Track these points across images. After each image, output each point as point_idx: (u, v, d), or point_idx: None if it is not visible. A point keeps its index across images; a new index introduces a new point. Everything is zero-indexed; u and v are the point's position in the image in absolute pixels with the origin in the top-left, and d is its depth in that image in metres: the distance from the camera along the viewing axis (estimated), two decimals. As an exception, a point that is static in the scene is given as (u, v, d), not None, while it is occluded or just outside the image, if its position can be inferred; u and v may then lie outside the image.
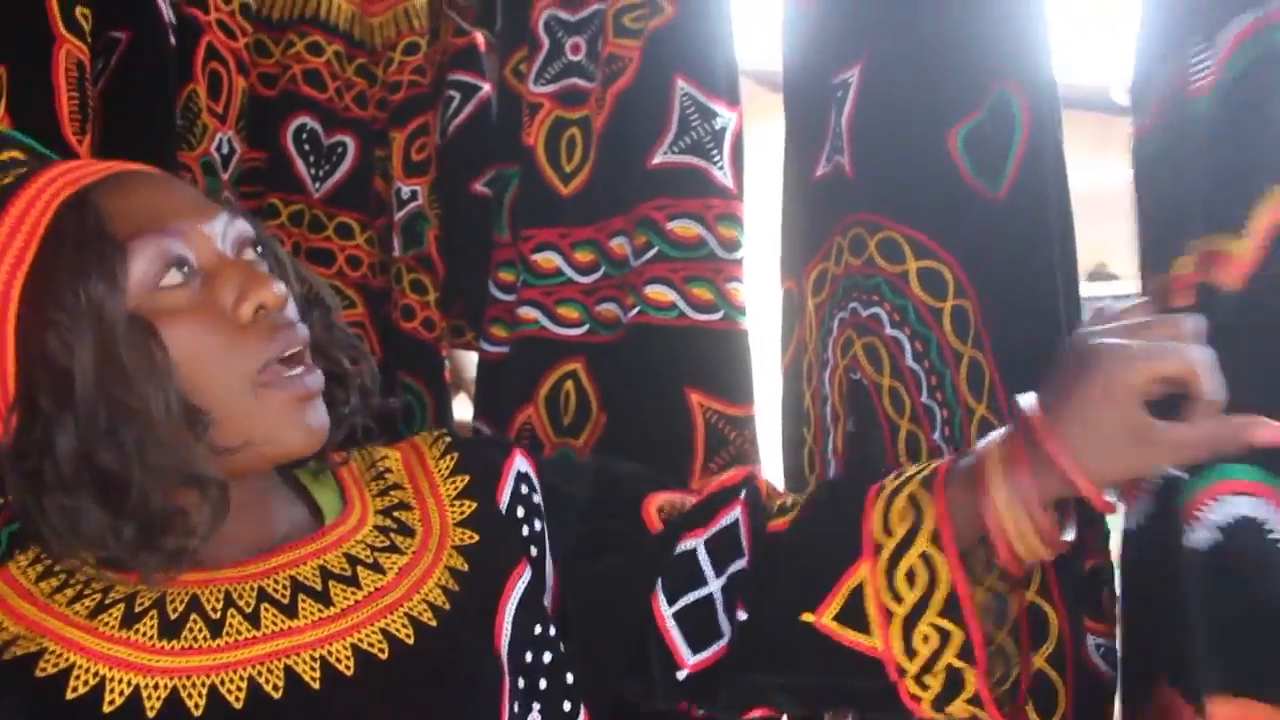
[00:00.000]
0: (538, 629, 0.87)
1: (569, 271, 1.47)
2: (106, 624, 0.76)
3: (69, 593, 0.78)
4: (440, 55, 1.75)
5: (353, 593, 0.81)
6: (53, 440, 0.73)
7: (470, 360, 1.79)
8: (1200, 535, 0.77)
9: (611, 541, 0.94)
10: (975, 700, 0.82)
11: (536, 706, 0.85)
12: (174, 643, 0.76)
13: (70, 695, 0.73)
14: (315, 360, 0.83)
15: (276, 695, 0.75)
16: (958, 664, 0.81)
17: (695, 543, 0.91)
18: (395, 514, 0.88)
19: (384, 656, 0.78)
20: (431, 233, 1.65)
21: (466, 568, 0.85)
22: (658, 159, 1.38)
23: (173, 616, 0.77)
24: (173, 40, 1.42)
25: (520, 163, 1.53)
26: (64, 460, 0.73)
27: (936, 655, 0.82)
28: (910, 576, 0.82)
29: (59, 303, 0.74)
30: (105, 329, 0.74)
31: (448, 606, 0.82)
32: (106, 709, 0.73)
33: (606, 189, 1.45)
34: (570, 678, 0.87)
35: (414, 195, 1.65)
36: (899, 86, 1.12)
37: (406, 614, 0.81)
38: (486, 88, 1.74)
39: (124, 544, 0.74)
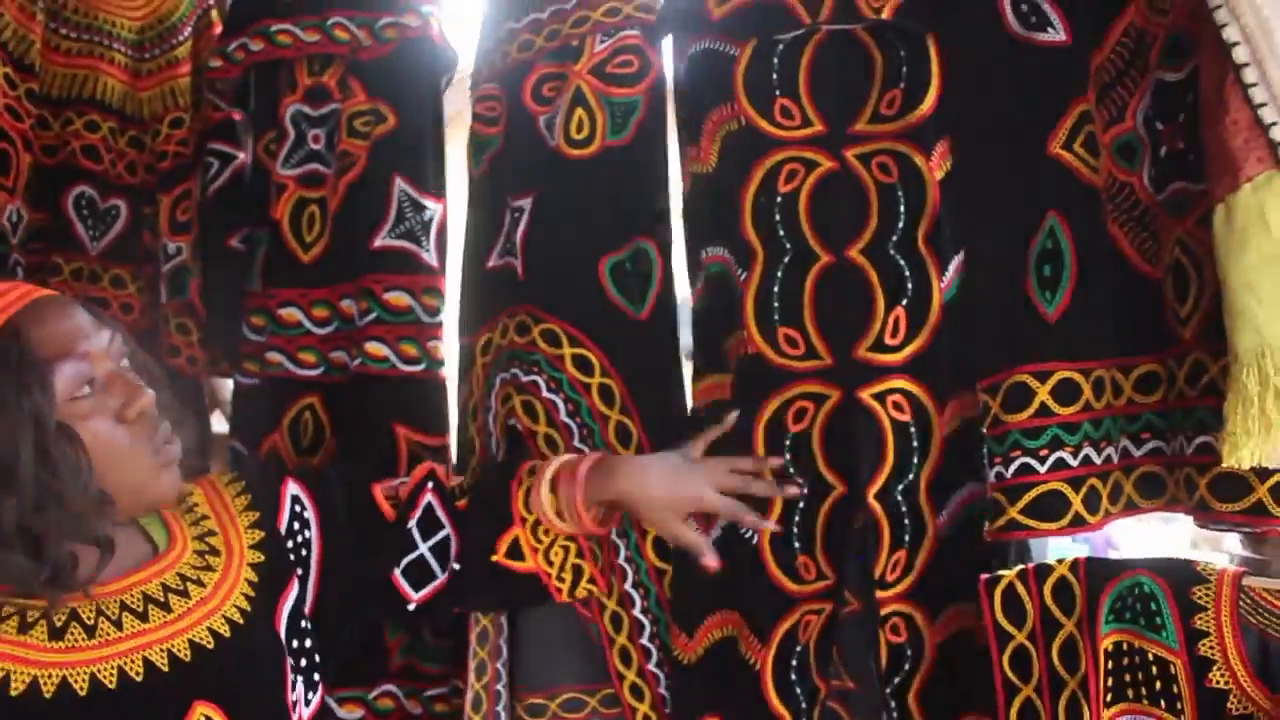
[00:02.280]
0: (303, 623, 1.24)
1: (308, 324, 1.83)
2: (6, 631, 1.07)
3: None
4: (201, 125, 2.06)
5: (184, 602, 1.15)
6: None
7: (225, 385, 2.13)
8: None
9: (357, 524, 1.36)
10: (591, 580, 1.42)
11: (301, 677, 1.22)
12: (60, 644, 1.08)
13: None
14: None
15: (138, 678, 1.09)
16: (578, 561, 1.41)
17: (413, 524, 1.37)
18: (207, 539, 1.22)
19: (210, 647, 1.14)
20: (194, 282, 1.96)
21: (257, 580, 1.22)
22: (379, 241, 1.77)
23: (58, 624, 1.09)
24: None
25: (269, 229, 1.88)
26: (3, 525, 1.02)
27: (565, 559, 1.39)
28: (545, 530, 1.38)
29: (5, 413, 1.02)
30: (41, 434, 1.03)
31: (249, 609, 1.18)
32: (13, 694, 1.05)
33: (338, 260, 1.81)
34: (317, 656, 1.25)
35: (179, 250, 1.96)
36: (562, 221, 1.57)
37: (223, 615, 1.16)
38: (242, 156, 2.05)
39: (40, 584, 1.05)
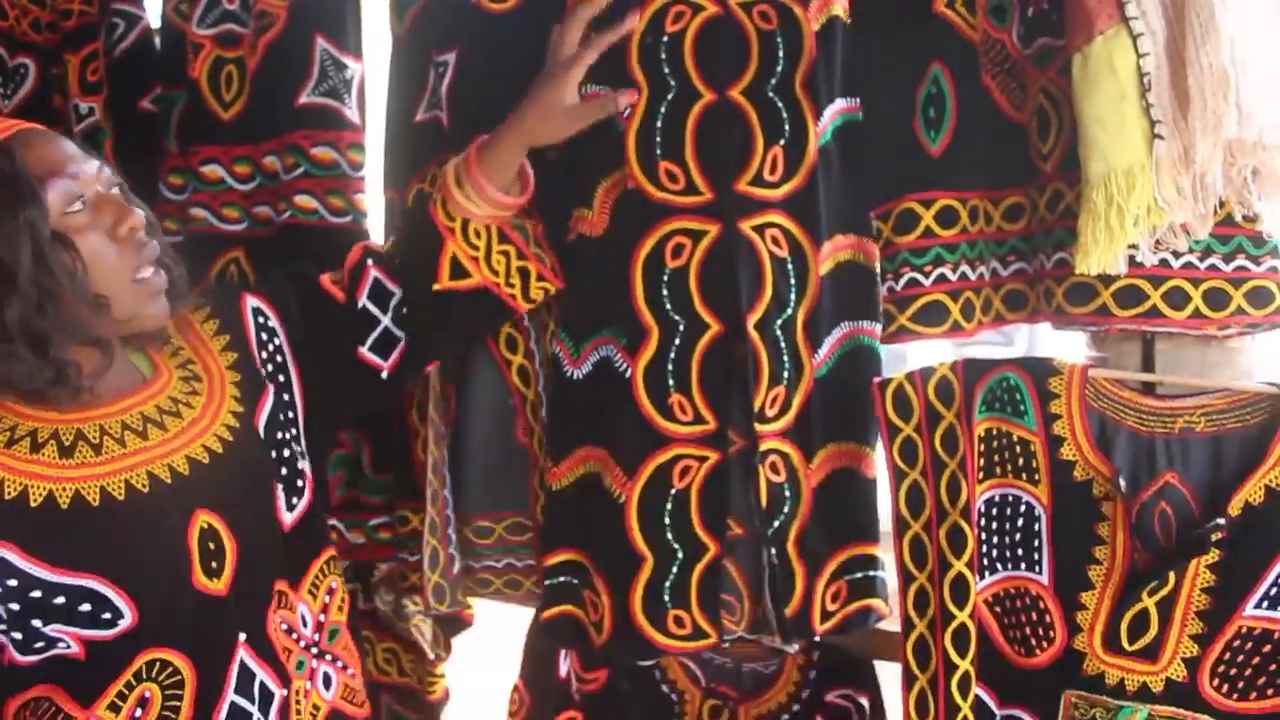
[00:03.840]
0: (279, 434, 1.35)
1: (230, 180, 1.89)
2: (20, 451, 1.17)
3: None
4: (104, -18, 2.06)
5: (178, 422, 1.26)
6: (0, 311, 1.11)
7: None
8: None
9: (313, 315, 1.45)
10: (541, 278, 1.50)
11: (283, 485, 1.33)
12: (70, 460, 1.18)
13: (6, 498, 1.14)
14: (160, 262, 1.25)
15: (143, 490, 1.21)
16: (521, 263, 1.49)
17: (363, 301, 1.45)
18: (188, 366, 1.32)
19: (205, 461, 1.26)
20: (108, 143, 1.99)
21: (240, 395, 1.33)
22: (303, 99, 1.84)
23: (66, 444, 1.19)
24: None
25: (186, 89, 1.92)
26: (9, 323, 1.11)
27: (508, 265, 1.48)
28: (476, 234, 1.45)
29: (3, 221, 1.11)
30: (37, 241, 1.12)
31: (237, 424, 1.30)
32: (32, 505, 1.15)
33: (260, 117, 1.87)
34: (300, 462, 1.37)
35: (91, 111, 1.98)
36: (486, 73, 1.65)
37: (214, 434, 1.28)
38: (146, 18, 2.07)
39: (44, 381, 1.15)
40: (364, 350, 1.45)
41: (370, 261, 1.47)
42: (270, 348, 1.41)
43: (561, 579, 1.54)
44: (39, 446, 1.19)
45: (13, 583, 1.15)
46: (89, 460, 1.20)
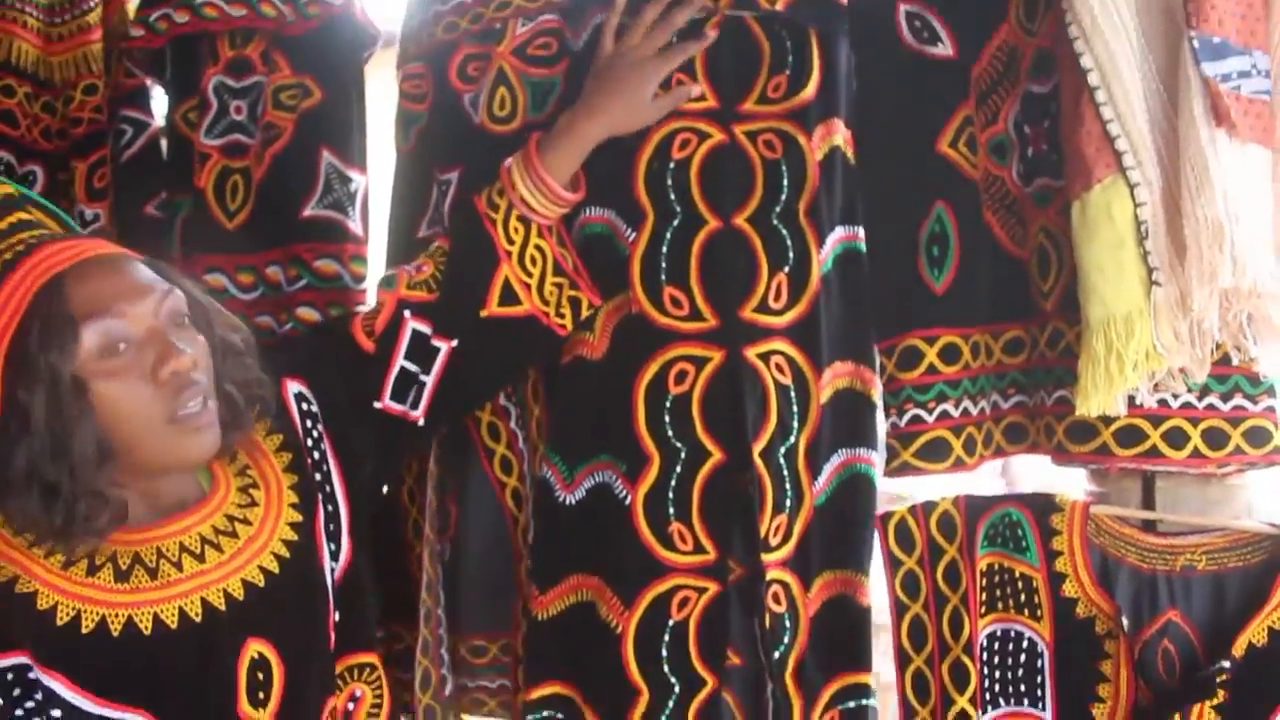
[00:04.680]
0: (332, 544, 1.31)
1: (233, 290, 1.89)
2: (76, 573, 1.14)
3: (44, 548, 1.14)
4: (112, 91, 2.09)
5: (234, 542, 1.22)
6: (11, 455, 1.09)
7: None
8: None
9: (345, 371, 1.40)
10: (590, 306, 1.47)
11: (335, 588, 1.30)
12: (125, 585, 1.16)
13: (59, 623, 1.12)
14: (220, 393, 1.20)
15: (197, 619, 1.18)
16: (575, 294, 1.46)
17: (401, 360, 1.40)
18: (246, 474, 1.28)
19: (261, 584, 1.22)
20: (111, 249, 2.01)
21: (299, 501, 1.28)
22: (308, 211, 1.86)
23: (123, 567, 1.16)
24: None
25: (191, 197, 1.94)
26: (17, 470, 1.09)
27: (561, 294, 1.44)
28: (532, 260, 1.43)
29: (28, 364, 1.09)
30: (54, 387, 1.09)
31: (295, 537, 1.26)
32: (84, 631, 1.13)
33: (265, 228, 1.88)
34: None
35: (96, 217, 1.99)
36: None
37: (270, 552, 1.24)
38: (154, 124, 2.10)
39: (54, 529, 1.12)
40: (391, 401, 1.41)
41: (407, 313, 1.42)
42: (314, 435, 1.37)
43: (546, 714, 1.51)
44: (95, 569, 1.16)
45: (57, 713, 1.12)
46: (144, 585, 1.17)
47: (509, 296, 1.41)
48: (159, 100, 2.11)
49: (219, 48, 1.92)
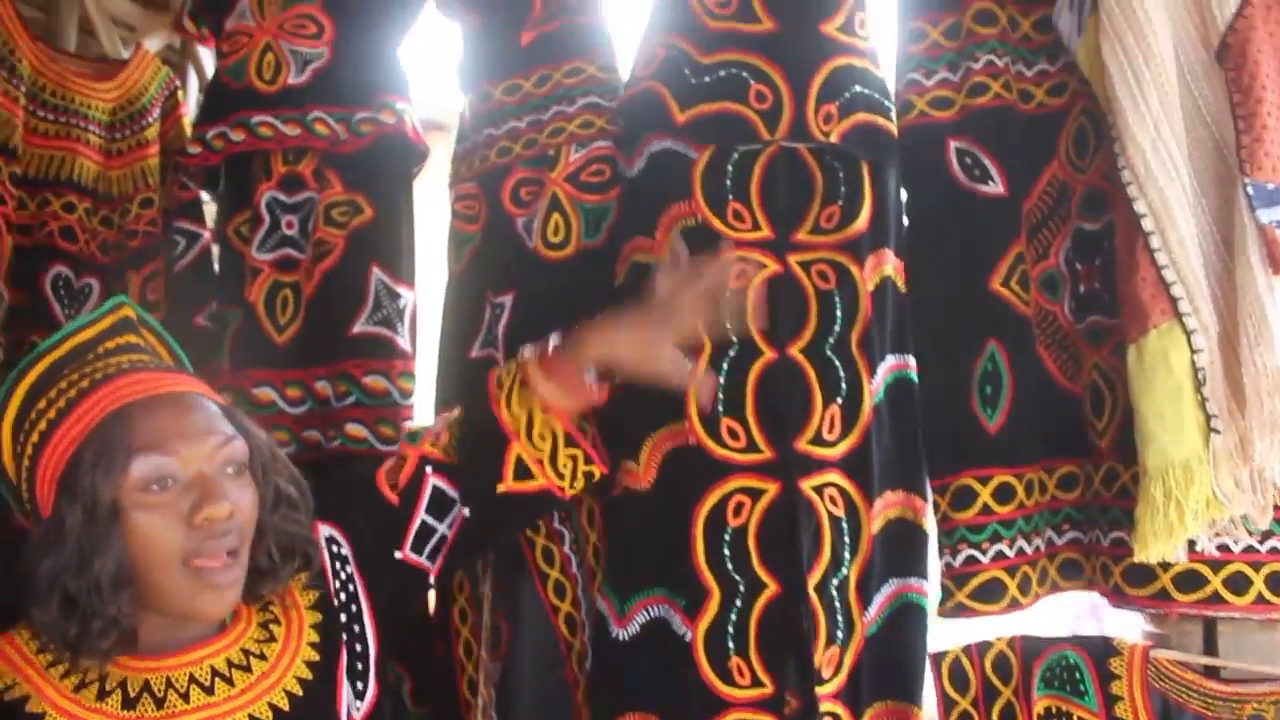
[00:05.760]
0: (357, 683, 1.31)
1: (281, 404, 1.92)
2: (86, 698, 1.15)
3: (60, 669, 1.16)
4: (167, 204, 2.14)
5: (246, 676, 1.22)
6: (41, 561, 1.11)
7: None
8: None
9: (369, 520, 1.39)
10: (601, 476, 1.42)
11: None
12: (130, 712, 1.16)
13: None
14: (257, 546, 1.20)
15: None
16: (587, 467, 1.42)
17: (421, 514, 1.39)
18: (268, 609, 1.28)
19: None
20: (162, 359, 2.03)
21: (318, 640, 1.28)
22: (357, 328, 1.88)
23: (131, 695, 1.16)
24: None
25: (241, 310, 1.97)
26: (43, 576, 1.12)
27: (575, 467, 1.41)
28: (541, 436, 1.38)
29: (76, 481, 1.11)
30: (92, 508, 1.11)
31: (309, 676, 1.25)
32: None
33: (314, 343, 1.91)
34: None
35: (148, 328, 2.03)
36: (541, 318, 1.67)
37: (282, 689, 1.23)
38: (207, 235, 2.14)
39: (68, 640, 1.13)
40: (411, 552, 1.41)
41: (429, 469, 1.43)
42: (343, 576, 1.37)
43: None
44: (105, 694, 1.17)
45: None
46: (149, 714, 1.17)
47: (522, 472, 1.40)
48: (211, 211, 2.16)
49: (273, 164, 1.97)
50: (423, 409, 1.92)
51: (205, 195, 2.13)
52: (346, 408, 1.86)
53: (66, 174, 2.00)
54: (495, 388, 1.42)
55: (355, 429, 1.85)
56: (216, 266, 2.09)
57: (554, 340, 1.39)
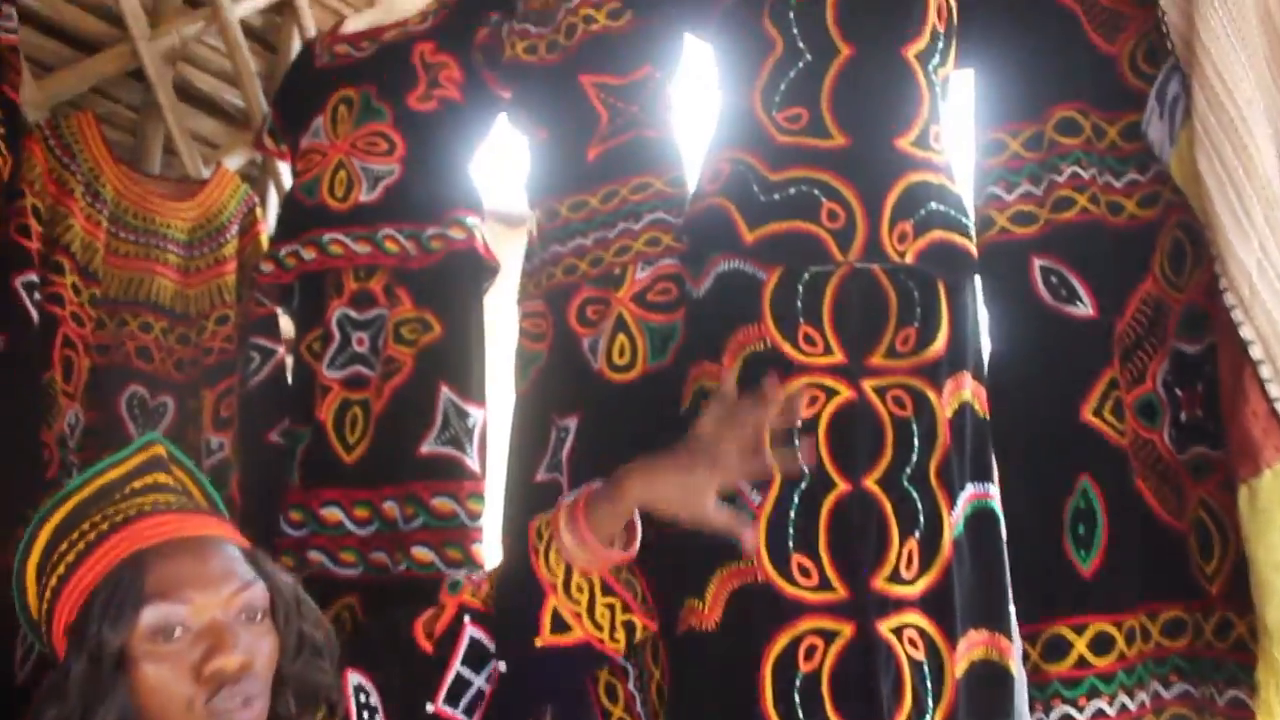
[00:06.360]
0: None
1: (349, 525, 1.88)
2: None
3: None
4: (243, 319, 2.15)
5: None
6: (46, 708, 1.09)
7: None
8: None
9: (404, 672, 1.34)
10: (644, 630, 1.36)
11: None
12: None
13: None
14: (277, 695, 1.17)
15: None
16: (626, 616, 1.34)
17: (457, 666, 1.33)
18: None
19: None
20: (235, 477, 2.03)
21: None
22: (425, 448, 1.85)
23: None
24: (36, 336, 1.76)
25: (311, 428, 1.95)
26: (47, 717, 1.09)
27: (613, 619, 1.33)
28: (579, 588, 1.32)
29: (84, 628, 1.10)
30: (98, 655, 1.10)
31: None
32: None
33: (382, 462, 1.88)
34: None
35: (221, 446, 2.03)
36: (606, 443, 1.64)
37: None
38: (282, 350, 2.15)
39: None
40: (445, 706, 1.34)
41: (467, 619, 1.38)
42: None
43: None
44: None
45: None
46: None
47: (560, 625, 1.34)
48: (288, 325, 2.17)
49: (344, 280, 1.97)
50: (492, 531, 1.87)
51: (281, 310, 2.15)
52: (413, 530, 1.82)
53: (145, 294, 2.02)
54: (535, 538, 1.36)
55: (422, 553, 1.81)
56: (290, 381, 2.09)
57: (593, 487, 1.33)
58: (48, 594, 1.17)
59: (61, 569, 1.16)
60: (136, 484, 1.23)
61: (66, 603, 1.14)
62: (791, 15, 1.52)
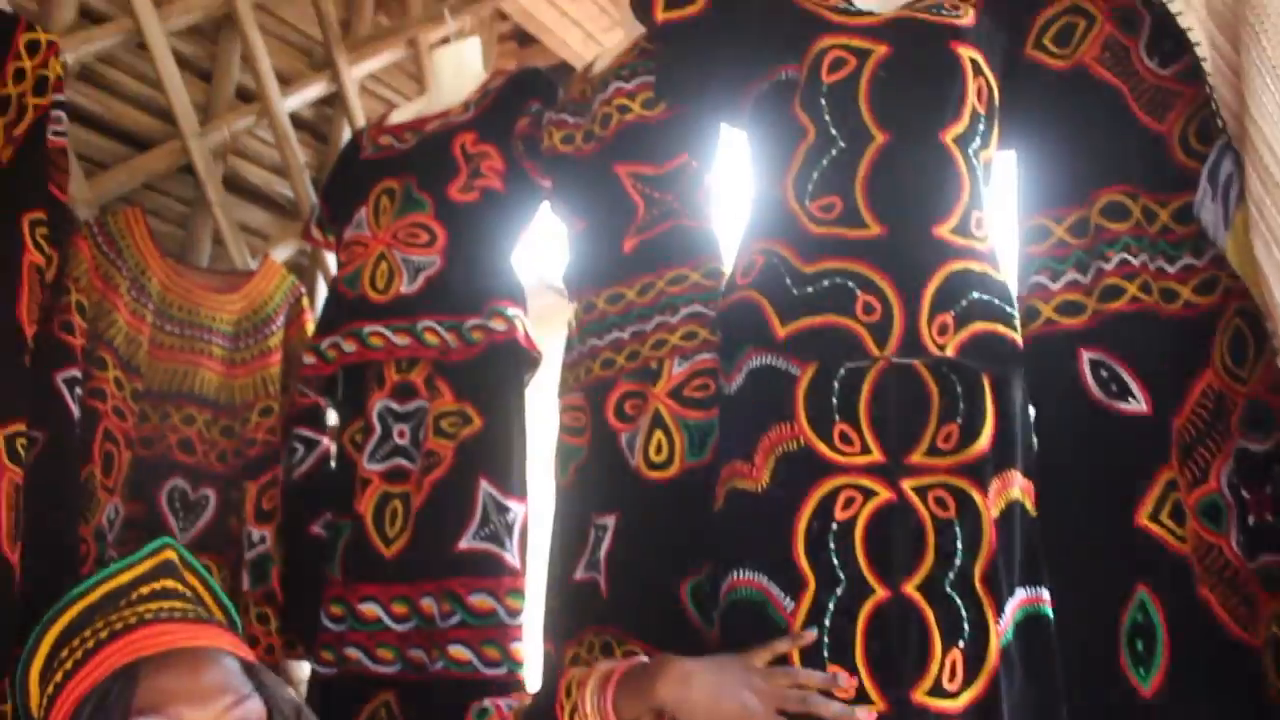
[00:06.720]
0: None
1: (387, 621, 1.86)
2: None
3: None
4: (287, 409, 2.15)
5: None
6: None
7: (299, 666, 2.15)
8: None
9: None
10: None
11: None
12: None
13: None
14: None
15: None
16: None
17: None
18: None
19: None
20: (275, 569, 2.02)
21: None
22: (464, 544, 1.82)
23: None
24: (77, 431, 1.77)
25: (352, 520, 1.93)
26: None
27: None
28: None
29: None
30: None
31: None
32: None
33: (421, 558, 1.85)
34: None
35: (262, 539, 2.02)
36: (644, 543, 1.59)
37: None
38: (326, 441, 2.14)
39: None
40: None
41: None
42: None
43: None
44: None
45: None
46: None
47: None
48: (333, 417, 2.17)
49: (385, 372, 1.97)
50: (533, 629, 1.82)
51: (325, 402, 2.15)
52: (451, 628, 1.78)
53: (189, 386, 2.03)
54: (564, 695, 1.32)
55: (459, 651, 1.77)
56: (334, 472, 2.08)
57: (630, 665, 1.30)
58: (44, 701, 1.14)
59: (58, 676, 1.13)
60: (144, 589, 1.21)
61: (60, 711, 1.12)
62: (823, 102, 1.48)
